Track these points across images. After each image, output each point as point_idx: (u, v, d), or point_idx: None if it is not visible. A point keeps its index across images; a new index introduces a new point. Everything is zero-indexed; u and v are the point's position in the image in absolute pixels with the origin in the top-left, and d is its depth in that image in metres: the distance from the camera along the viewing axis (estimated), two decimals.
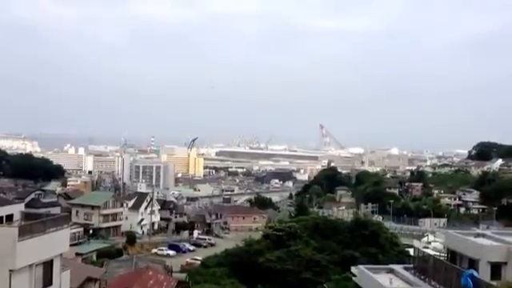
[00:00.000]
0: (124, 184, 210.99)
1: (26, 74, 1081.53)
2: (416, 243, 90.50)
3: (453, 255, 33.11)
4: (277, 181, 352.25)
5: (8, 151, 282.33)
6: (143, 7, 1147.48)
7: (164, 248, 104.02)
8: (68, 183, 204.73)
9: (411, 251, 51.49)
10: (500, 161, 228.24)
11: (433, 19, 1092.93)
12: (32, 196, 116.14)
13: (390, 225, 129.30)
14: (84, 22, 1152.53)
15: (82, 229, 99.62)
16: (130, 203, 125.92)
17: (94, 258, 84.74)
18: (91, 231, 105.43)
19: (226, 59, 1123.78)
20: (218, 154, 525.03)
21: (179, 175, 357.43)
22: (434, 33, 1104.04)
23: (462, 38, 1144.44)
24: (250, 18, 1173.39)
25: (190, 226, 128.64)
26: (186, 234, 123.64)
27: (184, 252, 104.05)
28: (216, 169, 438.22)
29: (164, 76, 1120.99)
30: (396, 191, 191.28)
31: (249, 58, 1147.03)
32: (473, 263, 29.90)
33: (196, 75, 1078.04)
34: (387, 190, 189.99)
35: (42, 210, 66.19)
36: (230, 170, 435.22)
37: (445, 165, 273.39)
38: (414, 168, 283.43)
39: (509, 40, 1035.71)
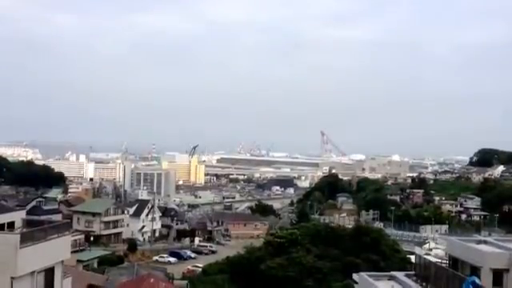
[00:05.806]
0: (125, 191, 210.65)
1: (26, 84, 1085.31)
2: (417, 250, 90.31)
3: (454, 262, 32.98)
4: (278, 188, 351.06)
5: (9, 158, 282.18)
6: (143, 18, 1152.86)
7: (165, 255, 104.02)
8: (69, 190, 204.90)
9: (413, 258, 51.30)
10: (501, 167, 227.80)
11: (434, 28, 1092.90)
12: (33, 203, 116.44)
13: (391, 232, 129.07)
14: (84, 33, 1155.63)
15: (83, 236, 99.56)
16: (131, 210, 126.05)
17: (95, 265, 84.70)
18: (92, 238, 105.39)
19: (227, 70, 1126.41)
20: (219, 161, 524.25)
21: (180, 182, 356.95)
22: (436, 41, 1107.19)
23: (464, 47, 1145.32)
24: (251, 29, 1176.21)
25: (191, 233, 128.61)
26: (187, 241, 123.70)
27: (185, 259, 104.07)
28: (217, 176, 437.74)
29: (165, 85, 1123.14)
30: (397, 198, 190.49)
31: (250, 68, 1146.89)
32: (475, 270, 29.76)
33: (197, 85, 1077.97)
34: (388, 196, 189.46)
35: (44, 217, 66.06)
36: (231, 177, 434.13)
37: (446, 171, 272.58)
38: (415, 175, 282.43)
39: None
